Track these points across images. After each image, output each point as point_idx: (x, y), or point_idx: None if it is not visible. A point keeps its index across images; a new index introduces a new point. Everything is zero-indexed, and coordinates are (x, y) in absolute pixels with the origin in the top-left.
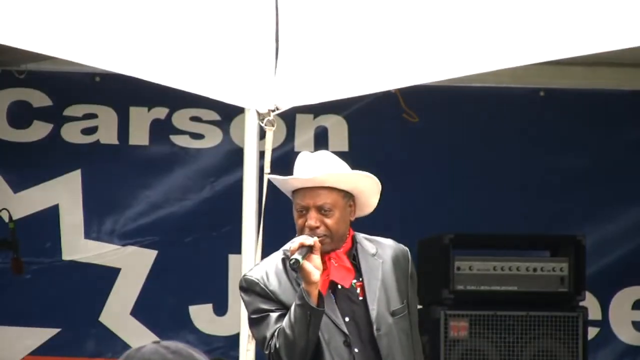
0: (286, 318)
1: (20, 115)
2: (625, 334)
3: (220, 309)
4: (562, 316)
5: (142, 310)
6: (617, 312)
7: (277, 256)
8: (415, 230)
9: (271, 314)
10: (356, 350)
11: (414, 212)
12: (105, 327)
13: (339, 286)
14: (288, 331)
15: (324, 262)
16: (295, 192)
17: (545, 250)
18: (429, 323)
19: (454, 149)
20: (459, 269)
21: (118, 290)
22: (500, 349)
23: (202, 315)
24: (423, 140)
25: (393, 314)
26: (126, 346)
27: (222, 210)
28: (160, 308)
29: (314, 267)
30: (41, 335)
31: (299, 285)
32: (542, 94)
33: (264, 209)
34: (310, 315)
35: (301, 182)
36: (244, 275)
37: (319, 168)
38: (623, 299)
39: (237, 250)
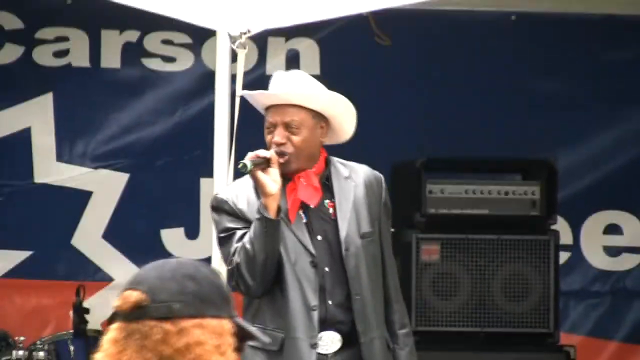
0: (247, 234)
1: None
2: (596, 259)
3: (192, 232)
4: (533, 240)
5: (114, 234)
6: (588, 236)
7: (249, 178)
8: (388, 154)
9: (237, 231)
10: (326, 269)
11: (387, 136)
12: (77, 250)
13: (311, 206)
14: (248, 246)
15: (294, 181)
16: (267, 109)
17: (517, 174)
18: (400, 246)
19: (426, 73)
20: (430, 192)
21: (90, 213)
22: (471, 272)
23: (173, 239)
24: (395, 64)
25: (362, 236)
26: (98, 269)
27: (194, 133)
28: (132, 231)
29: (271, 180)
30: (13, 257)
31: None
32: (513, 18)
33: (236, 132)
34: (267, 227)
35: (269, 99)
36: (215, 194)
37: (291, 86)
38: (595, 223)
39: (209, 173)
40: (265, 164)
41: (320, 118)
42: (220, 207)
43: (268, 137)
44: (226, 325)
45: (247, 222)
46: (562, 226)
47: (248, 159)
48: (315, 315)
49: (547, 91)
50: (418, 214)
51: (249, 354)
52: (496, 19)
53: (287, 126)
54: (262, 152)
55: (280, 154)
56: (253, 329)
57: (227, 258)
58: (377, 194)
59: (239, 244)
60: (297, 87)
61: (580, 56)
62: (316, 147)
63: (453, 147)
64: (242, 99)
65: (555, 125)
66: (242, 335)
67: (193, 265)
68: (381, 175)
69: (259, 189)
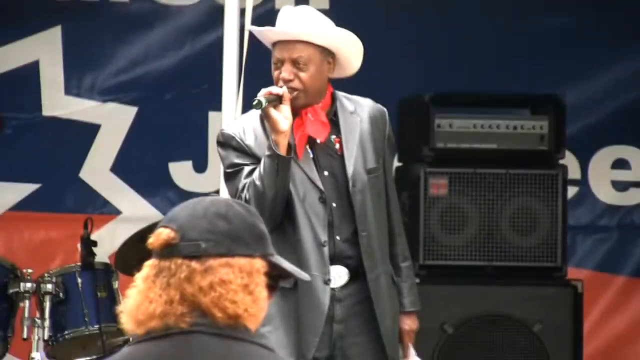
0: (256, 170)
1: None
2: (604, 193)
3: (200, 165)
4: (541, 174)
5: (122, 167)
6: (596, 171)
7: (255, 113)
8: (397, 89)
9: (245, 167)
10: (334, 204)
11: (396, 71)
12: (85, 183)
13: (318, 141)
14: (257, 182)
15: (301, 116)
16: (274, 45)
17: (525, 109)
18: (408, 180)
19: (436, 6)
20: (439, 126)
21: (98, 146)
22: (480, 206)
23: (181, 172)
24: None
25: (368, 172)
26: (106, 202)
27: (203, 67)
28: (140, 165)
29: (282, 116)
30: (22, 190)
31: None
32: None
33: (244, 66)
34: (278, 164)
35: (277, 35)
36: (221, 130)
37: (298, 22)
38: (603, 158)
39: (218, 107)
40: (277, 100)
41: (327, 53)
42: (227, 143)
43: (275, 73)
44: (257, 263)
45: (254, 158)
46: (570, 161)
47: (262, 96)
48: (326, 251)
49: (556, 26)
50: (426, 148)
51: None
52: None
53: (295, 62)
54: (274, 89)
55: (289, 90)
56: (291, 267)
57: (235, 193)
58: (382, 129)
59: (248, 180)
60: (304, 23)
61: None
62: (323, 82)
63: (461, 82)
64: (251, 33)
65: (564, 60)
66: (277, 274)
67: (226, 204)
68: (385, 109)
69: (270, 126)
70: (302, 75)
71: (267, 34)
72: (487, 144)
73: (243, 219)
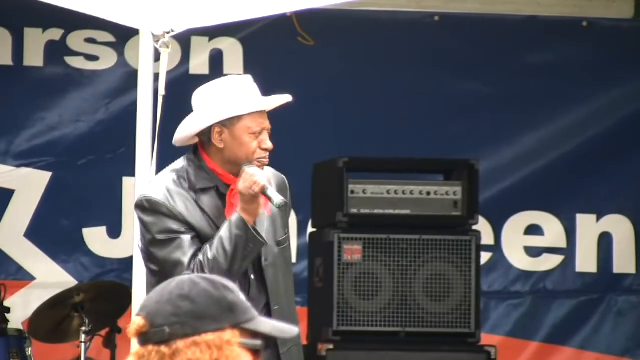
0: (217, 245)
1: None
2: (517, 259)
3: (114, 231)
4: (455, 240)
5: (36, 232)
6: (509, 237)
7: (168, 176)
8: (310, 154)
9: (182, 236)
10: (252, 277)
11: (309, 136)
12: None
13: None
14: (222, 259)
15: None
16: (245, 115)
17: (439, 174)
18: (322, 246)
19: (350, 73)
20: (352, 192)
21: (12, 211)
22: (393, 272)
23: (96, 238)
24: (318, 64)
25: (278, 243)
26: (20, 268)
27: (117, 132)
28: (55, 230)
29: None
30: None
31: (200, 207)
32: (436, 18)
33: (158, 131)
34: (253, 247)
35: (264, 105)
36: (145, 196)
37: (258, 92)
38: (516, 224)
39: (132, 172)
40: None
41: None
42: (155, 209)
43: (254, 143)
44: (227, 335)
45: (187, 225)
46: (483, 226)
47: (274, 192)
48: None
49: (469, 92)
50: (340, 213)
51: None
52: (419, 19)
53: (267, 131)
54: (263, 178)
55: (264, 159)
56: (271, 327)
57: (173, 263)
58: (286, 197)
59: (205, 255)
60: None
61: (503, 57)
62: None
63: (375, 148)
64: (164, 98)
65: (478, 126)
66: (259, 336)
67: (190, 283)
68: (284, 177)
69: (251, 209)
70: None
71: (261, 103)
72: (401, 210)
73: (208, 294)
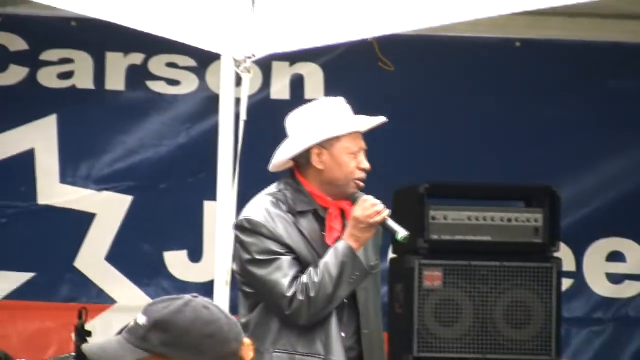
0: (323, 269)
1: None
2: (599, 286)
3: (195, 255)
4: (536, 267)
5: (117, 256)
6: (591, 263)
7: (266, 199)
8: (391, 180)
9: (282, 257)
10: (345, 301)
11: (390, 162)
12: (80, 272)
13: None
14: (329, 284)
15: (345, 210)
16: (343, 136)
17: (520, 201)
18: (403, 272)
19: (430, 99)
20: (434, 218)
21: (93, 235)
22: (474, 299)
23: (176, 262)
24: (398, 89)
25: (370, 269)
26: (101, 292)
27: (198, 156)
28: (135, 254)
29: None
30: (16, 279)
31: (300, 230)
32: (518, 44)
33: (240, 156)
34: (358, 274)
35: (364, 125)
36: (246, 217)
37: (352, 114)
38: (597, 250)
39: (213, 196)
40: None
41: None
42: (256, 230)
43: (353, 163)
44: None
45: (287, 248)
46: (565, 253)
47: (400, 227)
48: (343, 341)
49: (551, 118)
50: (421, 240)
51: None
52: (501, 45)
53: (364, 152)
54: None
55: (362, 181)
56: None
57: (273, 284)
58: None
59: (311, 278)
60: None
61: (585, 83)
62: None
63: (456, 174)
64: (245, 122)
65: (560, 152)
66: None
67: (169, 314)
68: None
69: (362, 237)
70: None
71: (363, 123)
72: (482, 237)
73: (184, 329)
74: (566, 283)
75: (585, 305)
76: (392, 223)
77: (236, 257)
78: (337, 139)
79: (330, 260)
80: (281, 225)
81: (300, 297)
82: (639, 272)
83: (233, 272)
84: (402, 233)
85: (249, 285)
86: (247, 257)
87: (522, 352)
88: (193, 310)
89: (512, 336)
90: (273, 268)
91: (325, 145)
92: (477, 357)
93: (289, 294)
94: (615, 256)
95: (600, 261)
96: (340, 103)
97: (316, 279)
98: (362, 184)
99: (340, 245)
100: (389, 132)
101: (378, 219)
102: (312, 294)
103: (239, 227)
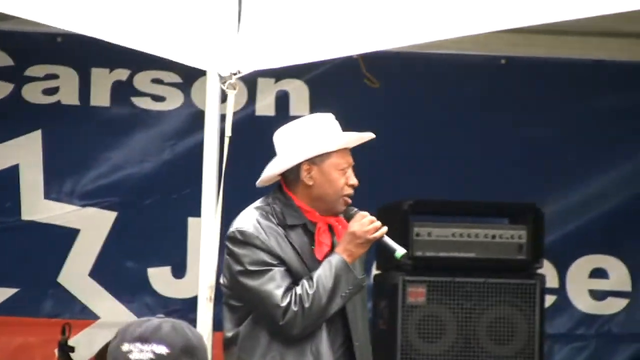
0: (317, 282)
1: None
2: (582, 302)
3: (179, 271)
4: (519, 283)
5: (101, 272)
6: (574, 280)
7: (255, 212)
8: (375, 196)
9: (275, 268)
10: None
11: (375, 178)
12: (63, 288)
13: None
14: (323, 295)
15: (332, 225)
16: (333, 152)
17: (504, 218)
18: (387, 288)
19: (415, 116)
20: (417, 235)
21: (77, 251)
22: (457, 315)
23: (160, 278)
24: (384, 106)
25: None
26: (84, 307)
27: (183, 172)
28: (119, 270)
29: None
30: None
31: (291, 243)
32: (503, 61)
33: (224, 172)
34: (353, 287)
35: (354, 141)
36: (238, 228)
37: (340, 130)
38: (581, 267)
39: (197, 213)
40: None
41: None
42: (248, 242)
43: (342, 179)
44: None
45: (279, 259)
46: (548, 269)
47: (397, 245)
48: (333, 354)
49: (535, 136)
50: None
51: None
52: (486, 62)
53: (351, 168)
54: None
55: (349, 197)
56: None
57: (266, 295)
58: None
59: (304, 289)
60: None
61: (569, 101)
62: None
63: (440, 191)
64: (230, 139)
65: (544, 169)
66: None
67: (189, 338)
68: None
69: (356, 252)
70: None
71: (350, 139)
72: (466, 253)
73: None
74: (549, 299)
75: (568, 322)
76: (388, 240)
77: (225, 270)
78: (327, 154)
79: (324, 273)
80: (272, 237)
81: (295, 308)
82: (622, 289)
83: (218, 286)
84: (400, 251)
85: (239, 298)
86: (238, 268)
87: None
88: (190, 328)
89: (496, 352)
90: (266, 279)
91: (315, 161)
92: None
93: (283, 304)
94: (598, 273)
95: (583, 278)
96: (329, 119)
97: (310, 291)
98: (349, 200)
99: (334, 259)
100: (374, 148)
101: (377, 234)
102: (307, 305)
103: (231, 238)
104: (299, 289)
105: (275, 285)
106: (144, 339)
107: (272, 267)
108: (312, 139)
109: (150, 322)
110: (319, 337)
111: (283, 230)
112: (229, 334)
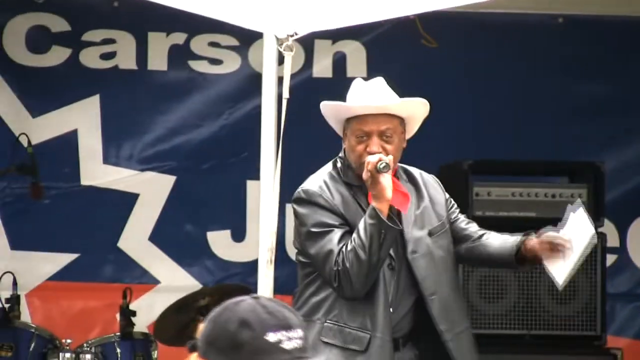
0: (355, 237)
1: (39, 40)
2: None
3: (238, 235)
4: None
5: (161, 236)
6: (635, 239)
7: (326, 172)
8: (435, 156)
9: (336, 229)
10: (399, 271)
11: (435, 138)
12: (123, 252)
13: (404, 213)
14: (359, 250)
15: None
16: (353, 118)
17: (564, 177)
18: None
19: (473, 76)
20: (477, 194)
21: (136, 216)
22: (518, 275)
23: (220, 242)
24: (442, 66)
25: (430, 233)
26: (145, 272)
27: (240, 136)
28: (179, 234)
29: (389, 184)
30: (60, 260)
31: (358, 203)
32: (560, 20)
33: (282, 135)
34: (385, 234)
35: (370, 109)
36: (302, 188)
37: (381, 95)
38: None
39: (256, 176)
40: (387, 168)
41: (403, 123)
42: (312, 200)
43: (360, 147)
44: None
45: (342, 219)
46: (609, 229)
47: (386, 159)
48: (390, 316)
49: (594, 94)
50: (465, 215)
51: (326, 352)
52: (543, 21)
53: (382, 134)
54: (384, 157)
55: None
56: None
57: (324, 256)
58: (438, 191)
59: (345, 246)
60: (386, 95)
61: (628, 59)
62: (401, 153)
63: (500, 150)
64: (289, 101)
65: (603, 128)
66: None
67: (224, 307)
68: (435, 177)
69: (377, 193)
70: (389, 147)
71: (355, 109)
72: (526, 212)
73: (222, 326)
74: (610, 259)
75: (629, 281)
76: (380, 163)
77: (295, 228)
78: (351, 120)
79: (360, 225)
80: (337, 195)
81: (340, 268)
82: None
83: (278, 249)
84: (380, 164)
85: (306, 256)
86: (303, 229)
87: (567, 328)
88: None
89: (557, 312)
90: (326, 240)
91: (345, 125)
92: (522, 332)
93: (335, 267)
94: None
95: None
96: (372, 84)
97: (349, 247)
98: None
99: (368, 210)
100: (433, 109)
101: (370, 168)
102: (348, 265)
103: (296, 199)
104: (343, 249)
105: (332, 247)
106: (287, 326)
107: (333, 228)
108: (337, 104)
109: (269, 306)
110: (377, 301)
111: (350, 189)
112: (298, 290)
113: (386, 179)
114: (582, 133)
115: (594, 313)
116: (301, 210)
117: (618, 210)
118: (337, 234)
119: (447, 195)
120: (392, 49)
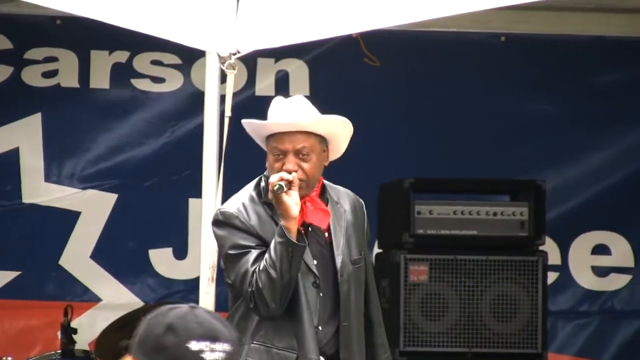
0: (266, 256)
1: None
2: (584, 279)
3: (180, 252)
4: (521, 260)
5: (102, 254)
6: (576, 257)
7: (247, 192)
8: (376, 175)
9: (252, 250)
10: (321, 293)
11: (376, 157)
12: (65, 270)
13: (309, 229)
14: (270, 270)
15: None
16: (272, 136)
17: (505, 195)
18: (389, 267)
19: (415, 94)
20: (419, 213)
21: (78, 233)
22: (460, 292)
23: (162, 259)
24: (384, 84)
25: (353, 262)
26: (86, 290)
27: (183, 154)
28: (121, 252)
29: (293, 202)
30: (1, 278)
31: (276, 222)
32: (503, 39)
33: (224, 152)
34: (292, 251)
35: (282, 127)
36: (220, 209)
37: (297, 113)
38: (583, 244)
39: (198, 194)
40: (288, 186)
41: (324, 142)
42: (228, 222)
43: (276, 165)
44: None
45: (259, 239)
46: (550, 247)
47: (280, 182)
48: (317, 336)
49: (535, 112)
50: (407, 234)
51: None
52: (486, 40)
53: (298, 153)
54: (285, 175)
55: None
56: None
57: (241, 278)
58: (361, 220)
59: (259, 268)
60: (303, 113)
61: (570, 77)
62: (321, 171)
63: (441, 169)
64: (231, 119)
65: (544, 146)
66: None
67: (159, 311)
68: (362, 201)
69: (282, 212)
70: (305, 165)
71: (269, 127)
72: (468, 230)
73: (149, 329)
74: (552, 276)
75: (571, 298)
76: (276, 186)
77: (219, 252)
78: (268, 138)
79: (271, 245)
80: (255, 216)
81: (254, 289)
82: (625, 265)
83: (220, 267)
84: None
85: (228, 278)
86: (222, 251)
87: (508, 346)
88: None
89: (499, 329)
90: (242, 262)
91: (266, 144)
92: (464, 350)
93: (250, 288)
94: (601, 249)
95: (585, 254)
96: (283, 104)
97: (261, 267)
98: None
99: (277, 229)
100: (374, 127)
101: (271, 190)
102: (260, 284)
103: (214, 220)
104: (256, 269)
105: (247, 268)
106: (213, 338)
107: (250, 249)
108: (253, 122)
109: (201, 316)
110: (302, 320)
111: (269, 209)
112: (230, 312)
113: (292, 197)
114: (524, 152)
115: (535, 331)
116: (219, 232)
117: (560, 228)
118: (253, 254)
119: (367, 226)
120: (335, 68)
